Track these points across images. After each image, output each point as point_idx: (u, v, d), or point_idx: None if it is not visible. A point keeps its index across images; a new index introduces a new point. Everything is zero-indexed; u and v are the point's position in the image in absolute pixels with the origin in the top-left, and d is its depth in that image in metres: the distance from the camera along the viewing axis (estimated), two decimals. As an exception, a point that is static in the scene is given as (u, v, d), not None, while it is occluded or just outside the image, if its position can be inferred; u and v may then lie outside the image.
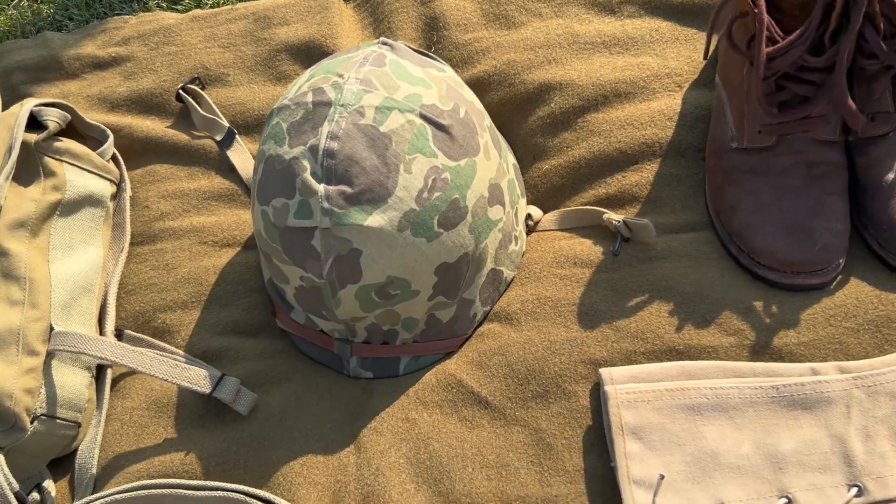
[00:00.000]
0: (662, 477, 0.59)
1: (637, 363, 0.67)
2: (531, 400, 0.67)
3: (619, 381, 0.65)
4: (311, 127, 0.62)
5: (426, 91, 0.64)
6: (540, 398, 0.67)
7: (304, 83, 0.65)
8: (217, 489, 0.64)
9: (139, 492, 0.64)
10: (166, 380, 0.67)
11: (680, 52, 0.82)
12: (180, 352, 0.73)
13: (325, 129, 0.61)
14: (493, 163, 0.68)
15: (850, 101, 0.66)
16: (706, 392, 0.63)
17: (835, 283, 0.68)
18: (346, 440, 0.67)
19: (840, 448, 0.61)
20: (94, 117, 0.86)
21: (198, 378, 0.68)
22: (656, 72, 0.81)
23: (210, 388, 0.68)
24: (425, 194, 0.62)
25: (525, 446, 0.65)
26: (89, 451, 0.70)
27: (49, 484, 0.69)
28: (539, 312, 0.71)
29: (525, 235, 0.76)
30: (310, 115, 0.63)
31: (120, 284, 0.79)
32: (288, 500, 0.64)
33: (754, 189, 0.70)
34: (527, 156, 0.81)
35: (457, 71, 0.85)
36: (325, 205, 0.60)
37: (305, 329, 0.71)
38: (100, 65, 0.92)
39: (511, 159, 0.77)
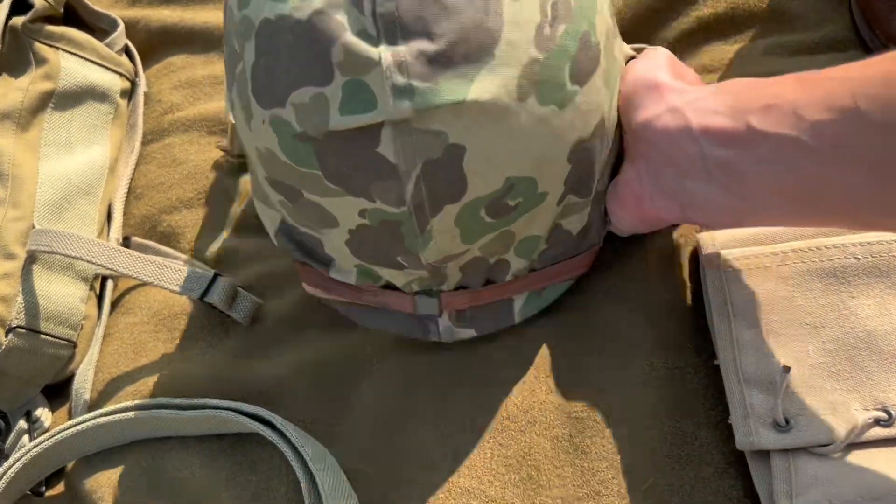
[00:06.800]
0: (788, 370, 0.40)
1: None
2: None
3: (726, 246, 0.46)
4: None
5: None
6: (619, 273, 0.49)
7: None
8: (206, 407, 0.52)
9: (123, 415, 0.53)
10: (152, 283, 0.55)
11: None
12: (182, 255, 0.61)
13: None
14: None
15: None
16: (855, 250, 0.43)
17: None
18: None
19: None
20: (114, 14, 0.76)
21: (186, 280, 0.55)
22: None
23: (199, 292, 0.55)
24: (547, 30, 0.39)
25: (600, 340, 0.48)
26: (84, 374, 0.59)
27: (42, 412, 0.59)
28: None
29: None
30: None
31: (130, 188, 0.68)
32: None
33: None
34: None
35: None
36: (400, 80, 0.37)
37: (358, 290, 0.49)
38: (123, -39, 0.82)
39: None
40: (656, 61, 0.46)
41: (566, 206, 0.46)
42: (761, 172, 0.37)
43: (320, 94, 0.39)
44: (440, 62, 0.38)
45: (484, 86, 0.38)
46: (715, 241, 0.46)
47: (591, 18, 0.42)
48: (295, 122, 0.40)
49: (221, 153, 0.65)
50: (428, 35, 0.38)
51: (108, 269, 0.55)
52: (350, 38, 0.38)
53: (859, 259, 0.43)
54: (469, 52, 0.38)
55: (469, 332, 0.49)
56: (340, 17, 0.38)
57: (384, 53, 0.37)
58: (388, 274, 0.47)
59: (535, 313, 0.50)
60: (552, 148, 0.42)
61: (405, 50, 0.37)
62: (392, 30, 0.37)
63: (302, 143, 0.41)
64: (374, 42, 0.38)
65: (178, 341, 0.58)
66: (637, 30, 0.60)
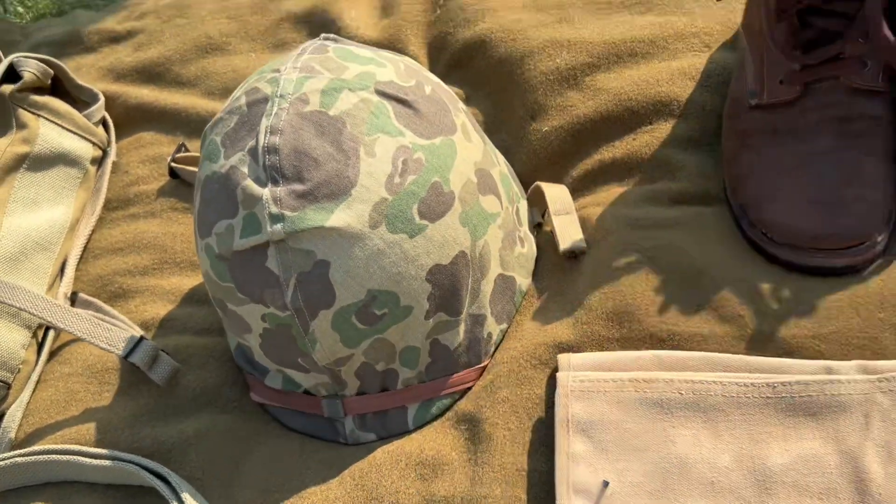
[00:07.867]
0: (607, 484, 0.47)
1: (609, 350, 0.55)
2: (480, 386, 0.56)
3: (578, 368, 0.53)
4: (247, 130, 0.52)
5: (380, 69, 0.54)
6: (488, 383, 0.56)
7: (238, 91, 0.56)
8: (113, 458, 0.57)
9: (38, 457, 0.58)
10: (83, 338, 0.61)
11: (713, 11, 0.70)
12: (121, 316, 0.67)
13: (264, 124, 0.51)
14: (475, 146, 0.57)
15: (888, 33, 0.52)
16: (680, 386, 0.50)
17: (871, 268, 0.53)
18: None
19: (851, 468, 0.46)
20: (98, 87, 0.84)
21: (114, 339, 0.61)
22: (681, 31, 0.69)
23: (125, 351, 0.61)
24: (397, 179, 0.51)
25: (462, 438, 0.54)
26: (13, 415, 0.65)
27: (-29, 446, 0.64)
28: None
29: (533, 238, 0.64)
30: (245, 119, 0.53)
31: (88, 249, 0.75)
32: (183, 476, 0.56)
33: (773, 153, 0.57)
34: (524, 115, 0.71)
35: (457, 31, 0.76)
36: (274, 209, 0.49)
37: (286, 396, 0.59)
38: (115, 38, 0.91)
39: (502, 159, 0.65)
40: None
41: (438, 323, 0.54)
42: None
43: (230, 224, 0.51)
44: (307, 198, 0.49)
45: (341, 215, 0.50)
46: (570, 363, 0.53)
47: (443, 174, 0.53)
48: (215, 247, 0.52)
49: (186, 227, 0.72)
50: (300, 179, 0.50)
51: (46, 321, 0.62)
52: (248, 182, 0.50)
53: (682, 394, 0.50)
54: (330, 192, 0.50)
55: (370, 436, 0.57)
56: (244, 169, 0.51)
57: (266, 192, 0.50)
58: (298, 377, 0.57)
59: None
60: (407, 268, 0.51)
61: (281, 189, 0.50)
62: (275, 176, 0.50)
63: (220, 262, 0.53)
64: (263, 184, 0.50)
65: (104, 394, 0.64)
66: (551, 167, 0.68)
